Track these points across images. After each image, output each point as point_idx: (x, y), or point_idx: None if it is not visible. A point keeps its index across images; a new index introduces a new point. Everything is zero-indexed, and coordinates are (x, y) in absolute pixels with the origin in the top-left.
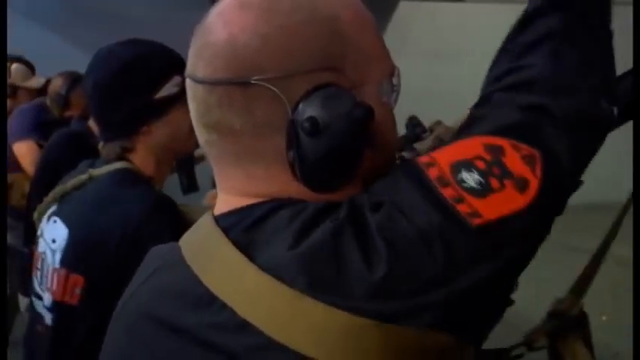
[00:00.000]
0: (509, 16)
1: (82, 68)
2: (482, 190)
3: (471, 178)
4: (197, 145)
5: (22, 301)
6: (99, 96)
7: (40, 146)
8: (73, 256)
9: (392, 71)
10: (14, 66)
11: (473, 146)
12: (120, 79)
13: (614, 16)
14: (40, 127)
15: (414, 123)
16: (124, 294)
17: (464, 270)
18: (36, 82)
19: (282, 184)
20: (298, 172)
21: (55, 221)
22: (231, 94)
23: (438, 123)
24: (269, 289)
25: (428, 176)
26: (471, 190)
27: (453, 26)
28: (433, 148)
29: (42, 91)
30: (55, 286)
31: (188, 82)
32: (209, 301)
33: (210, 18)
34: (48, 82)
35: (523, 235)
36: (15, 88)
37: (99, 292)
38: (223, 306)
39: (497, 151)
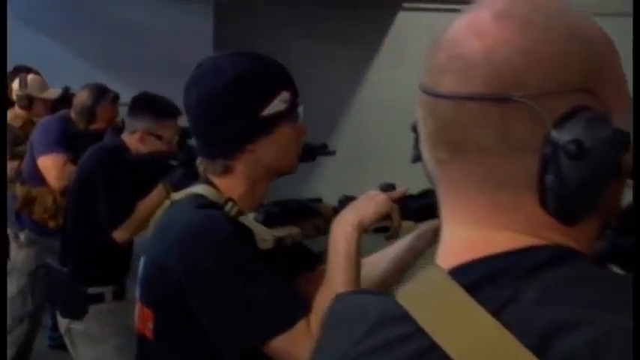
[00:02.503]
0: None
1: (84, 77)
2: None
3: None
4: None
5: (62, 322)
6: (204, 112)
7: (72, 161)
8: (142, 289)
9: (629, 102)
10: (31, 76)
11: None
12: (227, 95)
13: (613, 28)
14: (66, 140)
15: None
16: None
17: None
18: (53, 93)
19: (529, 213)
20: (553, 198)
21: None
22: (486, 110)
23: None
24: None
25: None
26: None
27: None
28: None
29: (57, 102)
30: (137, 319)
31: (424, 97)
32: None
33: (457, 30)
34: (65, 93)
35: None
36: (31, 99)
37: (168, 327)
38: None
39: None
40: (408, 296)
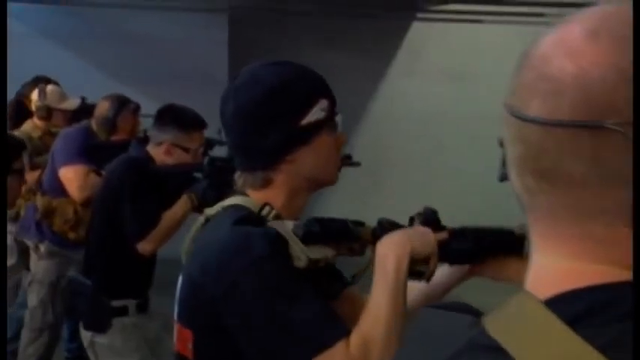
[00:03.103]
0: (521, 37)
1: (99, 88)
2: None
3: None
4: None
5: (85, 335)
6: (242, 123)
7: (95, 172)
8: (180, 309)
9: None
10: (49, 87)
11: None
12: (265, 105)
13: None
14: (88, 151)
15: None
16: None
17: None
18: (72, 103)
19: (622, 247)
20: None
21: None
22: (577, 138)
23: None
24: None
25: None
26: None
27: (466, 47)
28: None
29: (76, 112)
30: (175, 339)
31: (511, 119)
32: None
33: (546, 46)
34: (83, 103)
35: None
36: (50, 110)
37: (208, 347)
38: None
39: None
40: (500, 325)
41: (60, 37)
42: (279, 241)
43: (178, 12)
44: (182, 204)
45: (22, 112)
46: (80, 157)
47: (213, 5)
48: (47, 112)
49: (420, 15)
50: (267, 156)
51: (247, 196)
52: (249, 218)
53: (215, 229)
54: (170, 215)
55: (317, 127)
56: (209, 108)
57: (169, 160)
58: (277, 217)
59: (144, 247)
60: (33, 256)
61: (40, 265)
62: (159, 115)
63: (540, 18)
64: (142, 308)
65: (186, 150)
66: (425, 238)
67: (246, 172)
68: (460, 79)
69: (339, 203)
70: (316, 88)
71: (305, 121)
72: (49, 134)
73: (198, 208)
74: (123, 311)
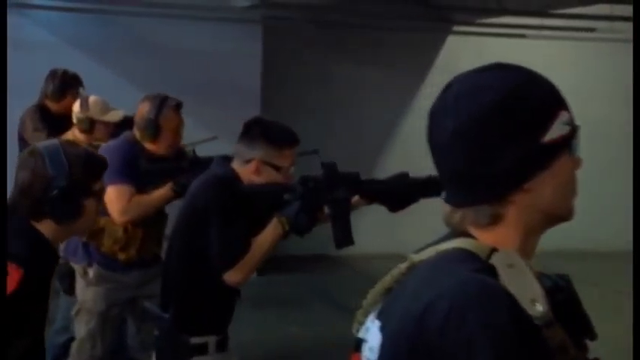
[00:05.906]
0: (566, 53)
1: (129, 99)
2: None
3: None
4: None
5: None
6: (465, 145)
7: (139, 192)
8: None
9: None
10: (92, 98)
11: None
12: (499, 119)
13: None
14: (131, 166)
15: None
16: None
17: None
18: (115, 115)
19: None
20: None
21: (375, 323)
22: None
23: None
24: None
25: None
26: None
27: (500, 61)
28: None
29: (118, 125)
30: None
31: None
32: None
33: None
34: (126, 115)
35: None
36: (93, 122)
37: None
38: None
39: None
40: None
41: (90, 46)
42: (518, 306)
43: (211, 23)
44: (272, 229)
45: (45, 115)
46: (123, 176)
47: (247, 16)
48: (90, 125)
49: (456, 29)
50: (497, 185)
51: (472, 238)
52: (482, 269)
53: (436, 275)
54: (260, 242)
55: (560, 146)
56: (243, 121)
57: (258, 180)
58: (510, 265)
59: (232, 277)
60: (80, 282)
61: (88, 293)
62: (246, 130)
63: (590, 33)
64: (222, 346)
65: (277, 168)
66: None
67: (466, 207)
68: None
69: (372, 222)
70: (555, 96)
71: (547, 137)
72: (92, 148)
73: (288, 234)
74: (202, 349)
